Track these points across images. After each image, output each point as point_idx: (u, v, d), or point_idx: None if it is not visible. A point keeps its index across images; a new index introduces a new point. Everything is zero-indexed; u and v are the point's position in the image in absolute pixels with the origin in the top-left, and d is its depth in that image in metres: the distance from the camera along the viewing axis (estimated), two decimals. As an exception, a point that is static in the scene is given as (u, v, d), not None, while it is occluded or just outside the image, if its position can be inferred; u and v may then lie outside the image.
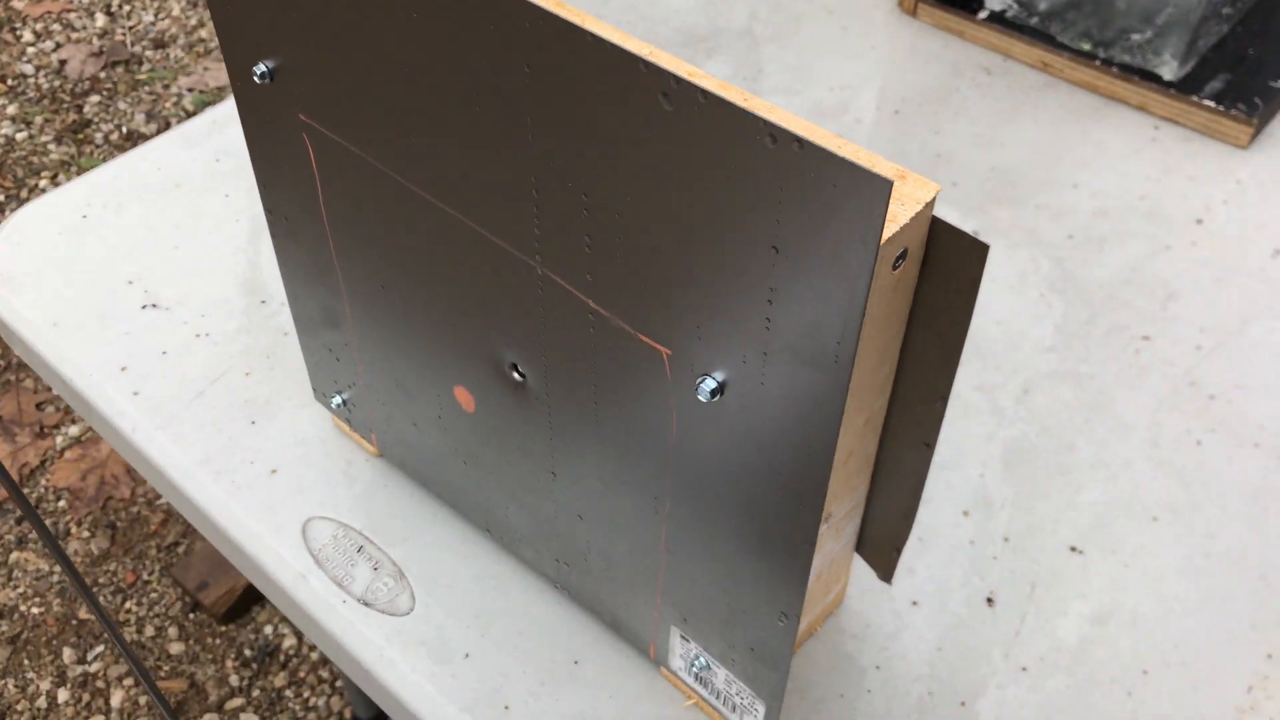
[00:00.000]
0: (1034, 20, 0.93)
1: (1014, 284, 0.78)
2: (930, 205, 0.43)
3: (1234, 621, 0.61)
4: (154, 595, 1.48)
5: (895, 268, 0.43)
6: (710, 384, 0.41)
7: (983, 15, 0.94)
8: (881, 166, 0.41)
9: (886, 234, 0.41)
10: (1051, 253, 0.80)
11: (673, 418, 0.44)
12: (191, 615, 1.45)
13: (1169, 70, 0.87)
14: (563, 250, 0.43)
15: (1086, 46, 0.91)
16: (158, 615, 1.46)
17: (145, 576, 1.50)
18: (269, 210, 0.59)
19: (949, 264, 0.44)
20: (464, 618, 0.61)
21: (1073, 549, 0.64)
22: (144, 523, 1.55)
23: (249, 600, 1.45)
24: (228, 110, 0.91)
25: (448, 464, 0.62)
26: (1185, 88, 0.87)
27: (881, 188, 0.31)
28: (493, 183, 0.44)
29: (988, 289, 0.77)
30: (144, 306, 0.77)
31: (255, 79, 0.51)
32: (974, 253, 0.43)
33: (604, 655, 0.60)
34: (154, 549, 1.52)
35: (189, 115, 2.06)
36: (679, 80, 0.33)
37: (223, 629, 1.44)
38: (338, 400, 0.67)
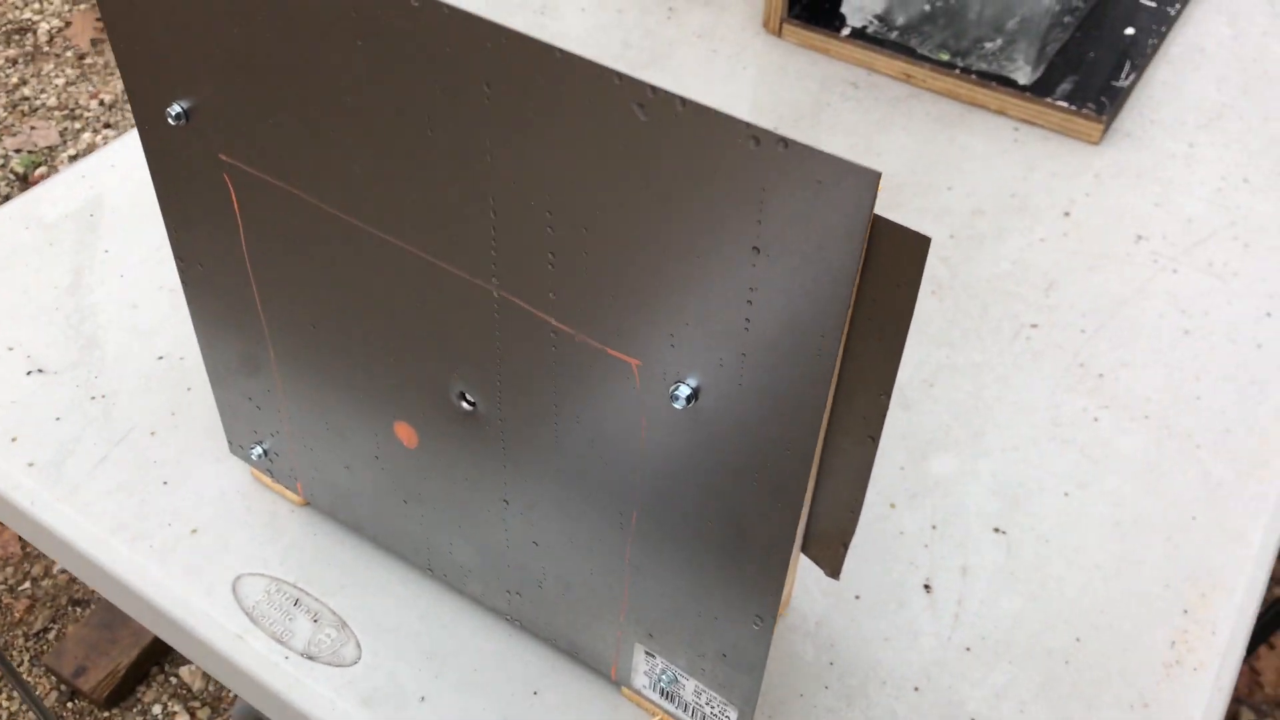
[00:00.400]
0: (894, 34, 0.97)
1: (907, 284, 0.81)
2: (875, 190, 0.44)
3: (1150, 583, 0.64)
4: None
5: (872, 206, 0.44)
6: (685, 390, 0.41)
7: (845, 32, 0.98)
8: None
9: None
10: (937, 252, 0.83)
11: (641, 428, 0.45)
12: (70, 704, 1.37)
13: (1023, 75, 0.93)
14: (523, 270, 0.43)
15: (945, 57, 0.96)
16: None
17: (14, 668, 1.40)
18: (181, 258, 0.57)
19: (890, 259, 0.45)
20: (414, 661, 0.60)
21: (996, 530, 0.67)
22: (7, 611, 1.45)
23: (133, 680, 1.37)
24: (97, 162, 0.87)
25: (385, 504, 0.60)
26: (1039, 90, 0.93)
27: (869, 179, 0.32)
28: (445, 208, 0.43)
29: (884, 291, 0.80)
30: (29, 373, 0.73)
31: (170, 120, 0.50)
32: (915, 247, 0.45)
33: (563, 682, 0.59)
34: (21, 637, 1.43)
35: (19, 178, 1.96)
36: (655, 90, 0.34)
37: (106, 715, 1.36)
38: (258, 451, 0.65)
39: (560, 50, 0.35)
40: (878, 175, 0.32)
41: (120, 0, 0.48)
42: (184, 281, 0.58)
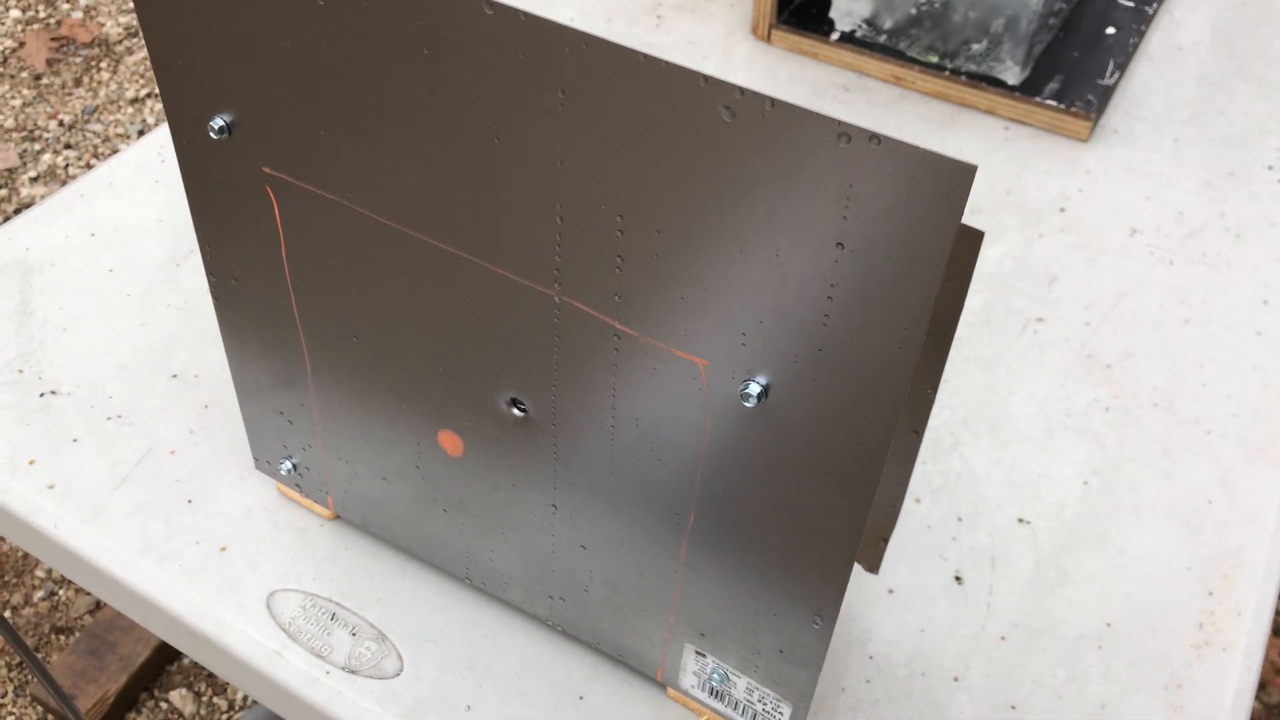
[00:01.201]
0: (882, 38, 0.99)
1: (912, 283, 0.82)
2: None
3: (1173, 566, 0.66)
4: (10, 718, 1.35)
5: (966, 198, 0.45)
6: (755, 388, 0.42)
7: (834, 37, 1.00)
8: None
9: None
10: (940, 250, 0.85)
11: (705, 429, 0.45)
12: (57, 734, 1.34)
13: (1011, 75, 0.95)
14: (588, 275, 0.43)
15: (934, 59, 0.97)
16: (18, 740, 1.34)
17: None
18: (213, 274, 0.57)
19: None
20: (458, 670, 0.60)
21: (1020, 520, 0.68)
22: (-13, 642, 1.42)
23: (122, 707, 1.35)
24: (92, 181, 0.86)
25: (423, 514, 0.60)
26: (1027, 90, 0.94)
27: (966, 173, 0.33)
28: (507, 215, 0.44)
29: (892, 289, 0.81)
30: (41, 395, 0.72)
31: (212, 134, 0.49)
32: (969, 240, 0.46)
33: (608, 686, 0.60)
34: (4, 668, 1.40)
35: (-22, 201, 1.92)
36: (743, 91, 0.35)
37: (95, 743, 1.33)
38: (287, 466, 0.64)
39: (644, 55, 0.36)
40: (974, 169, 0.33)
41: (160, 15, 0.47)
42: (216, 297, 0.58)
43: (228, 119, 0.49)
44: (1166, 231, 0.86)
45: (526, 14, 0.37)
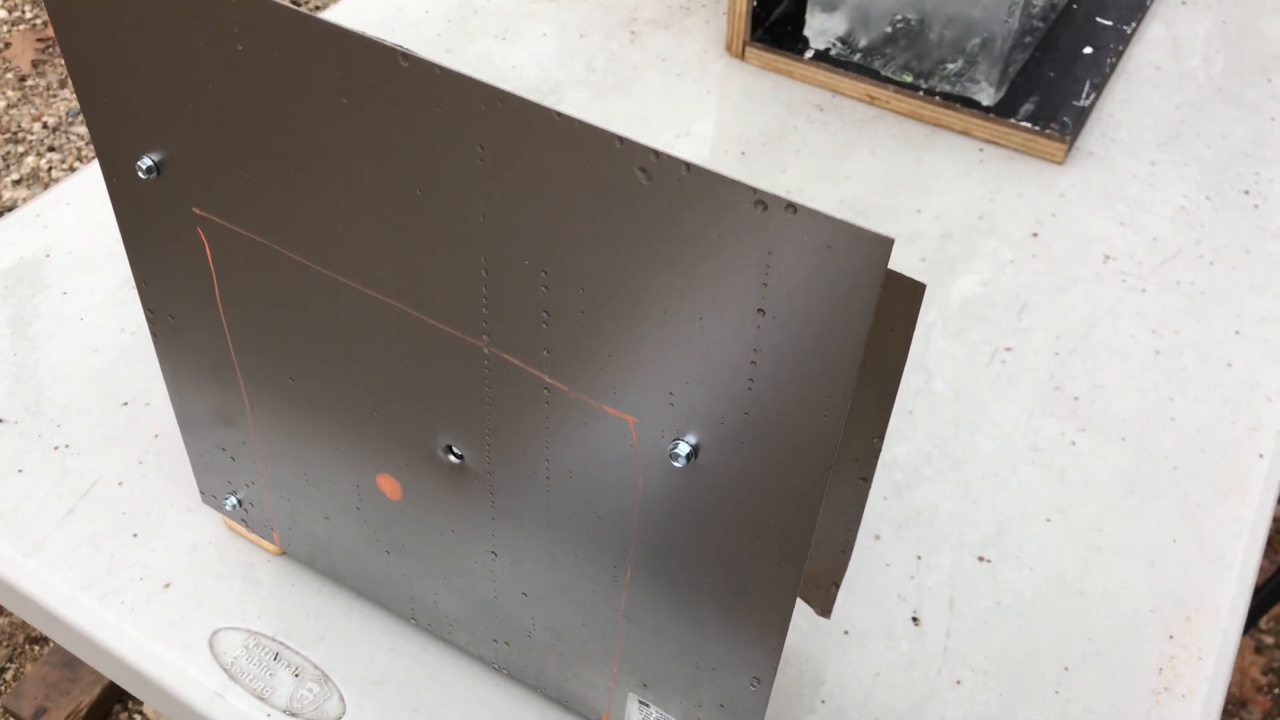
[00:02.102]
0: (857, 56, 0.98)
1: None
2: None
3: (1135, 609, 0.65)
4: (-18, 731, 1.34)
5: (883, 271, 0.44)
6: (684, 448, 0.41)
7: (808, 55, 0.98)
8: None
9: None
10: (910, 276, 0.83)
11: (638, 486, 0.44)
12: (29, 746, 1.33)
13: (986, 96, 0.93)
14: (515, 328, 0.42)
15: (908, 78, 0.96)
16: (-11, 753, 1.33)
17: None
18: (150, 310, 0.56)
19: (886, 305, 0.45)
20: (402, 713, 0.59)
21: (981, 559, 0.67)
22: (-40, 653, 1.41)
23: (94, 721, 1.34)
24: (53, 198, 0.85)
25: (366, 555, 0.59)
26: (1002, 111, 0.93)
27: (882, 246, 0.31)
28: (433, 266, 0.42)
29: (859, 317, 0.80)
30: (-12, 423, 0.70)
31: (140, 173, 0.48)
32: (910, 292, 0.45)
33: (554, 730, 0.58)
34: (-24, 680, 1.39)
35: (-40, 204, 1.91)
36: (658, 154, 0.33)
37: (67, 756, 1.32)
38: (232, 501, 0.63)
39: (559, 113, 0.34)
40: (890, 241, 0.31)
41: (87, 52, 0.46)
42: (154, 334, 0.56)
43: (156, 158, 0.48)
44: (1140, 258, 0.85)
45: (442, 69, 0.36)
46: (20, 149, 1.99)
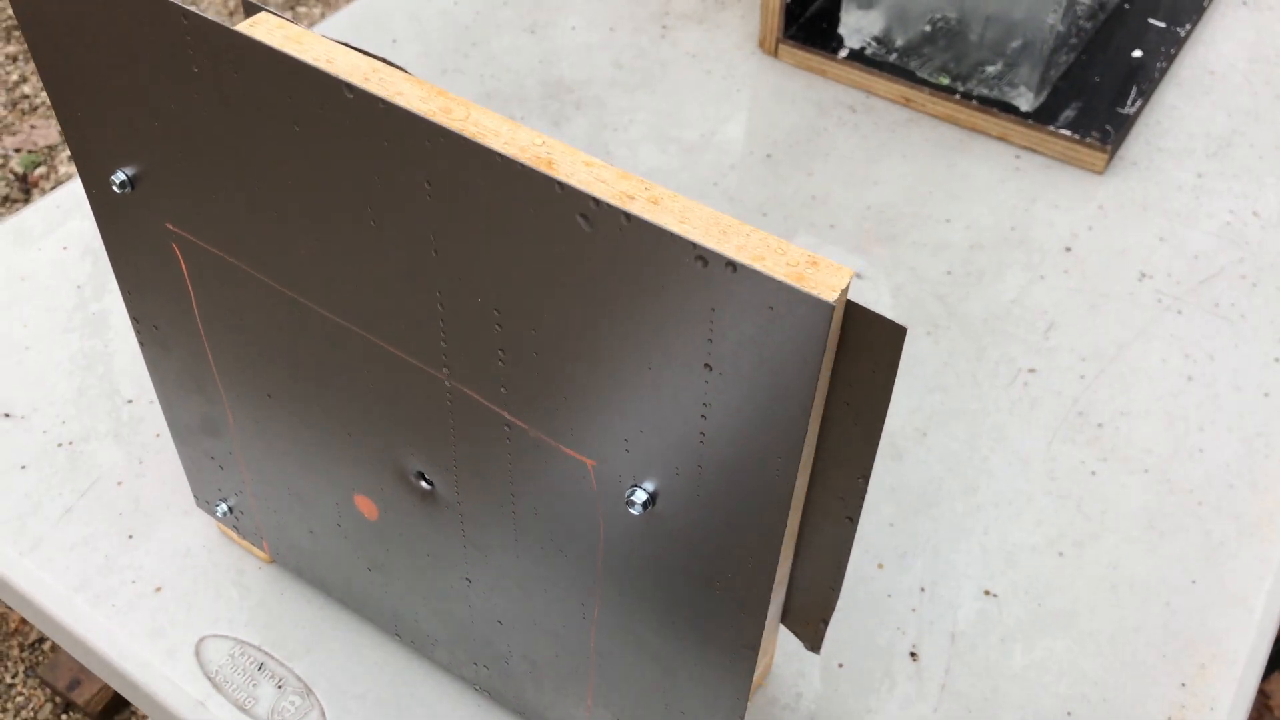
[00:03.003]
0: (893, 57, 0.94)
1: (903, 323, 0.78)
2: (845, 291, 0.42)
3: (1146, 652, 0.62)
4: (20, 699, 1.38)
5: (826, 337, 0.42)
6: (641, 495, 0.39)
7: (843, 54, 0.95)
8: (792, 253, 0.40)
9: None
10: (934, 289, 0.81)
11: (600, 527, 0.42)
12: (65, 716, 1.36)
13: (1025, 101, 0.90)
14: (473, 363, 0.41)
15: (945, 80, 0.93)
16: (25, 721, 1.36)
17: (9, 680, 1.39)
18: (136, 319, 0.55)
19: (867, 347, 0.43)
20: (380, 731, 0.58)
21: (986, 593, 0.64)
22: (3, 621, 1.45)
23: (122, 700, 1.36)
24: (70, 193, 0.85)
25: (350, 570, 0.59)
26: (1041, 117, 0.90)
27: (823, 311, 0.29)
28: (391, 296, 0.41)
29: (877, 332, 0.77)
30: (-5, 418, 0.71)
31: (114, 187, 0.48)
32: (892, 336, 0.42)
33: (532, 756, 0.57)
34: (16, 648, 1.42)
35: (18, 178, 1.94)
36: (598, 202, 0.32)
37: (99, 729, 1.35)
38: (223, 508, 0.63)
39: (500, 155, 0.33)
40: (831, 307, 0.29)
41: (59, 67, 0.46)
42: (140, 343, 0.56)
43: (130, 173, 0.47)
44: (1178, 277, 0.81)
45: (386, 103, 0.35)
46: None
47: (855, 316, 0.43)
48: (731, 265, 0.30)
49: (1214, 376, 0.75)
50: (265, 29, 0.51)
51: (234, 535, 0.65)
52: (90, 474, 0.68)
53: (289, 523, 0.59)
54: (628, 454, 0.38)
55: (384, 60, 0.52)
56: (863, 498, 0.48)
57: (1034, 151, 0.91)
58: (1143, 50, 0.95)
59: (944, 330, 0.78)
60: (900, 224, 0.85)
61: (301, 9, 2.18)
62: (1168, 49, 0.95)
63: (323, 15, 2.10)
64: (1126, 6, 0.99)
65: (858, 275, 0.81)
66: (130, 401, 0.72)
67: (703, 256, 0.31)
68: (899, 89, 0.94)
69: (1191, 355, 0.76)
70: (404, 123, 0.35)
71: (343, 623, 0.62)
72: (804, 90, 0.96)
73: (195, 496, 0.64)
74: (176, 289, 0.51)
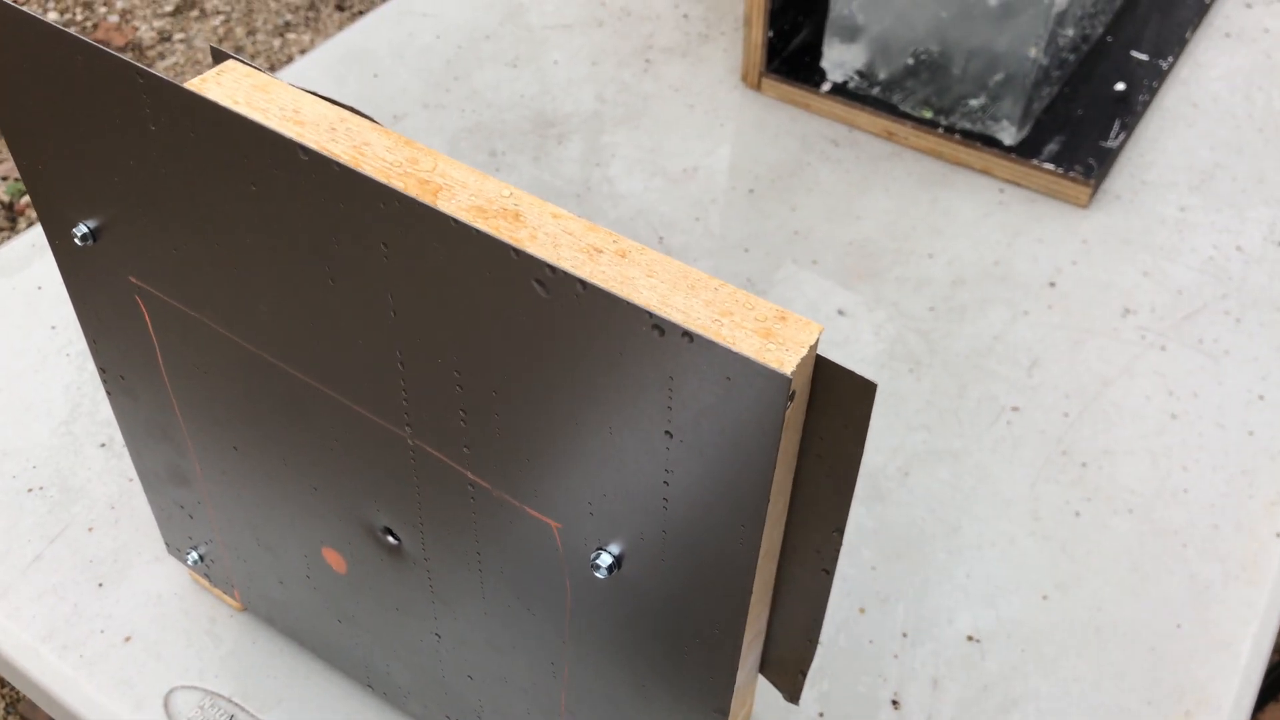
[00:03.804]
0: (875, 90, 0.94)
1: (884, 360, 0.78)
2: (814, 347, 0.41)
3: (1131, 698, 0.61)
4: (-1, 737, 1.36)
5: (784, 409, 0.41)
6: (607, 559, 0.38)
7: (825, 88, 0.95)
8: (760, 309, 0.40)
9: (788, 370, 0.40)
10: (917, 326, 0.80)
11: (566, 588, 0.42)
12: (44, 754, 1.34)
13: (1008, 135, 0.90)
14: (436, 423, 0.40)
15: (928, 114, 0.92)
16: (5, 759, 1.34)
17: (-12, 717, 1.38)
18: (102, 369, 0.54)
19: (837, 403, 0.42)
20: (352, 785, 0.57)
21: (970, 638, 0.64)
22: (-17, 657, 1.43)
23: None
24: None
25: (320, 621, 0.58)
26: (1025, 151, 0.89)
27: (779, 384, 0.29)
28: (353, 354, 0.40)
29: (858, 369, 0.77)
30: (-35, 463, 0.70)
31: (76, 240, 0.47)
32: (862, 392, 0.42)
33: (506, 810, 0.56)
34: (-4, 685, 1.40)
35: (4, 206, 1.93)
36: (554, 269, 0.31)
37: (80, 766, 1.33)
38: (193, 556, 0.62)
39: (456, 220, 0.32)
40: (788, 380, 0.29)
41: (21, 118, 0.45)
42: (108, 392, 0.55)
43: (92, 225, 0.47)
44: (1162, 312, 0.81)
45: (341, 166, 0.34)
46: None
47: (825, 372, 0.42)
48: (688, 335, 0.30)
49: (1198, 414, 0.74)
50: (233, 78, 0.50)
51: (206, 583, 0.64)
52: (61, 520, 0.67)
53: (259, 572, 0.58)
54: (592, 517, 0.38)
55: (352, 110, 0.51)
56: (838, 550, 0.48)
57: (1018, 185, 0.90)
58: (1125, 83, 0.95)
59: (926, 367, 0.77)
60: (883, 259, 0.85)
61: (291, 35, 2.18)
62: (1150, 81, 0.95)
63: (312, 42, 2.10)
64: (1109, 39, 0.99)
65: (839, 312, 0.81)
66: (103, 445, 0.71)
67: (659, 326, 0.30)
68: (882, 123, 0.94)
69: (1175, 393, 0.76)
70: (359, 185, 0.34)
71: (315, 673, 0.61)
72: (787, 124, 0.96)
73: (166, 544, 0.63)
74: (141, 340, 0.50)
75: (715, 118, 0.96)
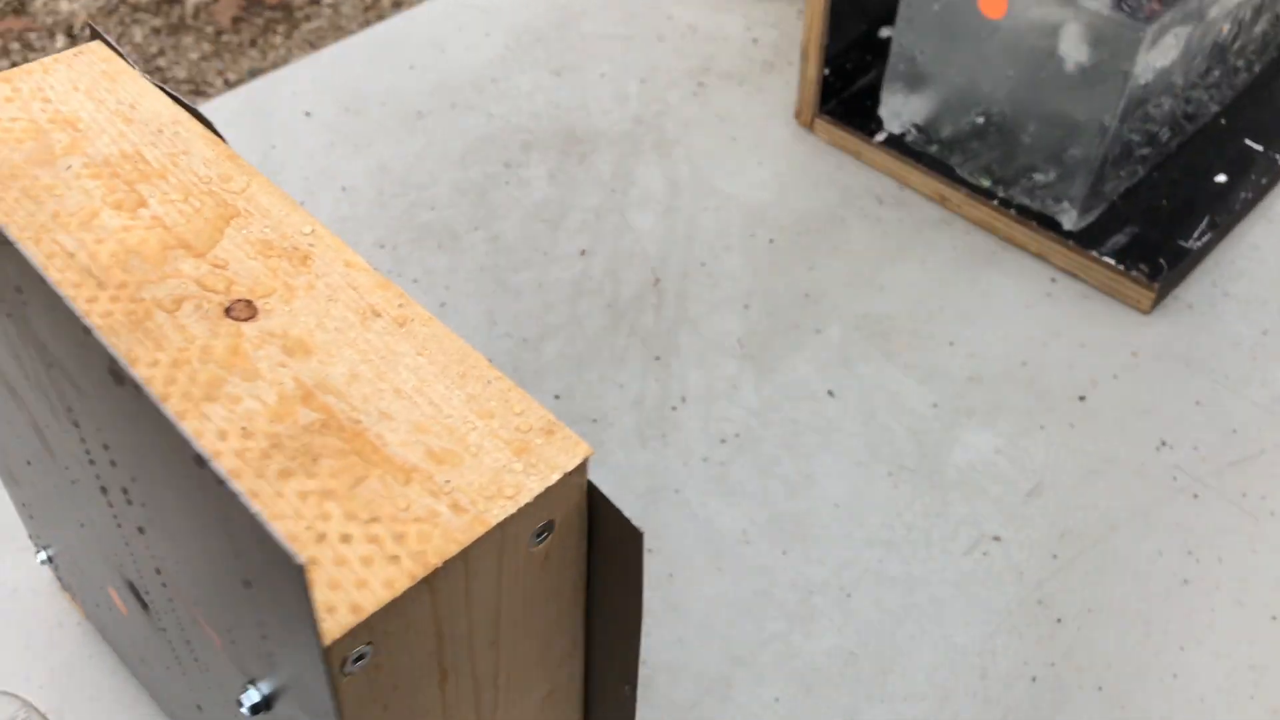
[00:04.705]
0: (933, 148, 0.84)
1: (863, 459, 0.68)
2: (577, 472, 0.34)
3: None
4: None
5: (538, 543, 0.34)
6: (254, 695, 0.32)
7: (880, 137, 0.86)
8: (530, 415, 0.33)
9: (522, 501, 0.33)
10: (912, 423, 0.70)
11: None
12: None
13: (1067, 218, 0.78)
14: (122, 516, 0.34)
15: (986, 182, 0.82)
16: None
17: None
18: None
19: (607, 542, 0.35)
20: (133, 839, 0.52)
21: (862, 806, 0.54)
22: None
23: None
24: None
25: (130, 653, 0.53)
26: (1087, 239, 0.78)
27: (294, 576, 0.22)
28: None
29: (830, 463, 0.68)
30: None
31: None
32: (628, 539, 0.34)
33: None
34: None
35: (134, 147, 2.00)
36: (202, 461, 0.25)
37: None
38: (43, 555, 0.58)
39: (86, 327, 0.26)
40: (301, 568, 0.22)
41: None
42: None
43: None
44: (1205, 452, 0.69)
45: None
46: (200, 103, 2.06)
47: (597, 504, 0.35)
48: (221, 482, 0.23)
49: (1216, 584, 0.63)
50: (87, 61, 0.47)
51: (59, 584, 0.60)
52: (-50, 490, 0.65)
53: (84, 587, 0.54)
54: (234, 646, 0.31)
55: (194, 113, 0.46)
56: (634, 709, 0.40)
57: (1074, 277, 0.79)
58: (1229, 174, 0.82)
59: (909, 474, 0.68)
60: (896, 340, 0.75)
61: (308, 25, 2.19)
62: (1259, 178, 0.82)
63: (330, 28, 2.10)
64: (1222, 121, 0.86)
65: (829, 393, 0.72)
66: None
67: (198, 458, 0.23)
68: (935, 184, 0.84)
69: (1195, 553, 0.64)
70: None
71: (141, 702, 0.57)
72: (832, 171, 0.87)
73: (29, 536, 0.60)
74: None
75: (756, 154, 0.88)
